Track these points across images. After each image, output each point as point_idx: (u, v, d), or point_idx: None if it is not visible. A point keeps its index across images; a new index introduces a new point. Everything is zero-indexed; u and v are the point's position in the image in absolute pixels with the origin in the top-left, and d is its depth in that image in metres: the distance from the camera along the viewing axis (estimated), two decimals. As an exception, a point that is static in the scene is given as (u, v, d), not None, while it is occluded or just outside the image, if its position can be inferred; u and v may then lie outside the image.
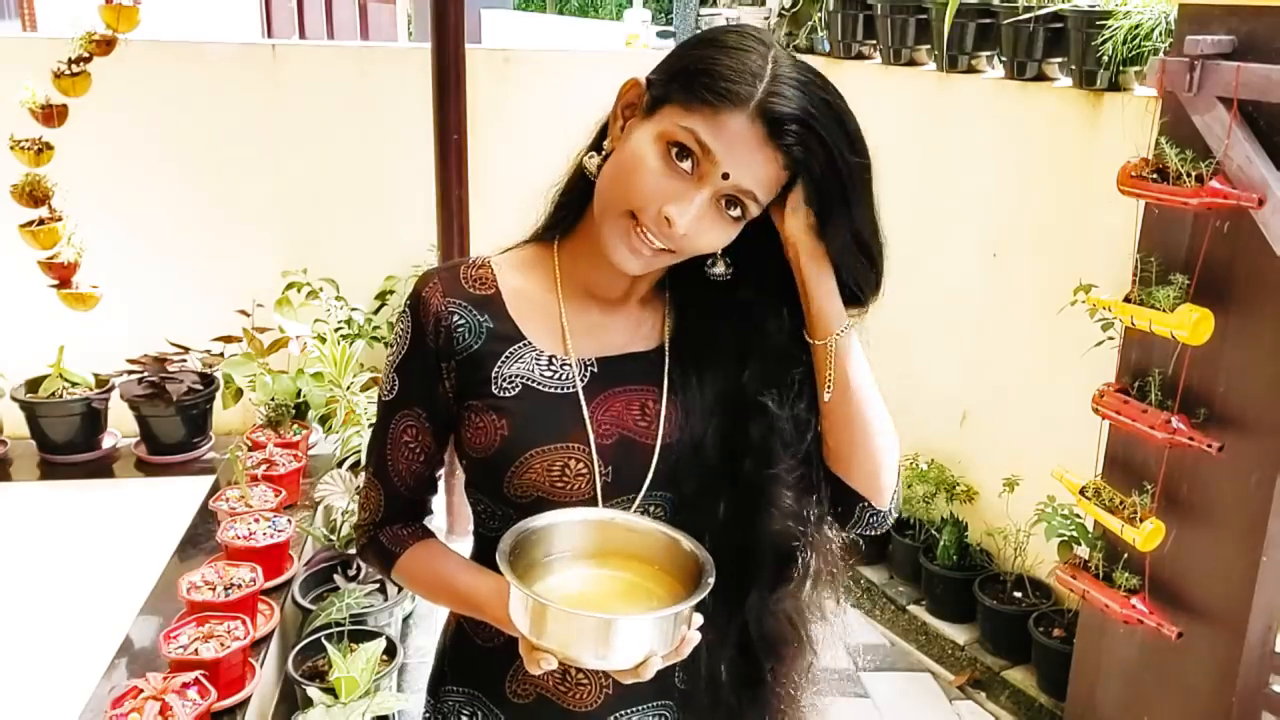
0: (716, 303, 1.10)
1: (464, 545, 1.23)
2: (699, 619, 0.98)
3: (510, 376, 1.08)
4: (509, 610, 0.97)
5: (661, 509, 1.11)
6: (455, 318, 1.09)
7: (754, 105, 0.95)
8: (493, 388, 1.08)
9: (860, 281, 1.06)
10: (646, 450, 1.09)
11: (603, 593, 1.03)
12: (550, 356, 1.10)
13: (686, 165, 0.97)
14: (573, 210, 1.12)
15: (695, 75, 0.98)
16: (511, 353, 1.09)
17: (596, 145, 1.09)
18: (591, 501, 1.08)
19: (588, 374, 1.10)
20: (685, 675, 1.15)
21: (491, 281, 1.12)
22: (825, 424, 1.09)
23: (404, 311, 1.12)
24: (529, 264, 1.14)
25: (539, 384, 1.08)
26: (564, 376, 1.09)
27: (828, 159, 0.97)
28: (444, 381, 1.10)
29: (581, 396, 1.08)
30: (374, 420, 1.18)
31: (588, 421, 1.08)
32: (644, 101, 1.02)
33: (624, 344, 1.12)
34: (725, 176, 0.97)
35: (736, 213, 1.00)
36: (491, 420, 1.07)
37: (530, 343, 1.10)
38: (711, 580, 0.97)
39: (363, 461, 1.22)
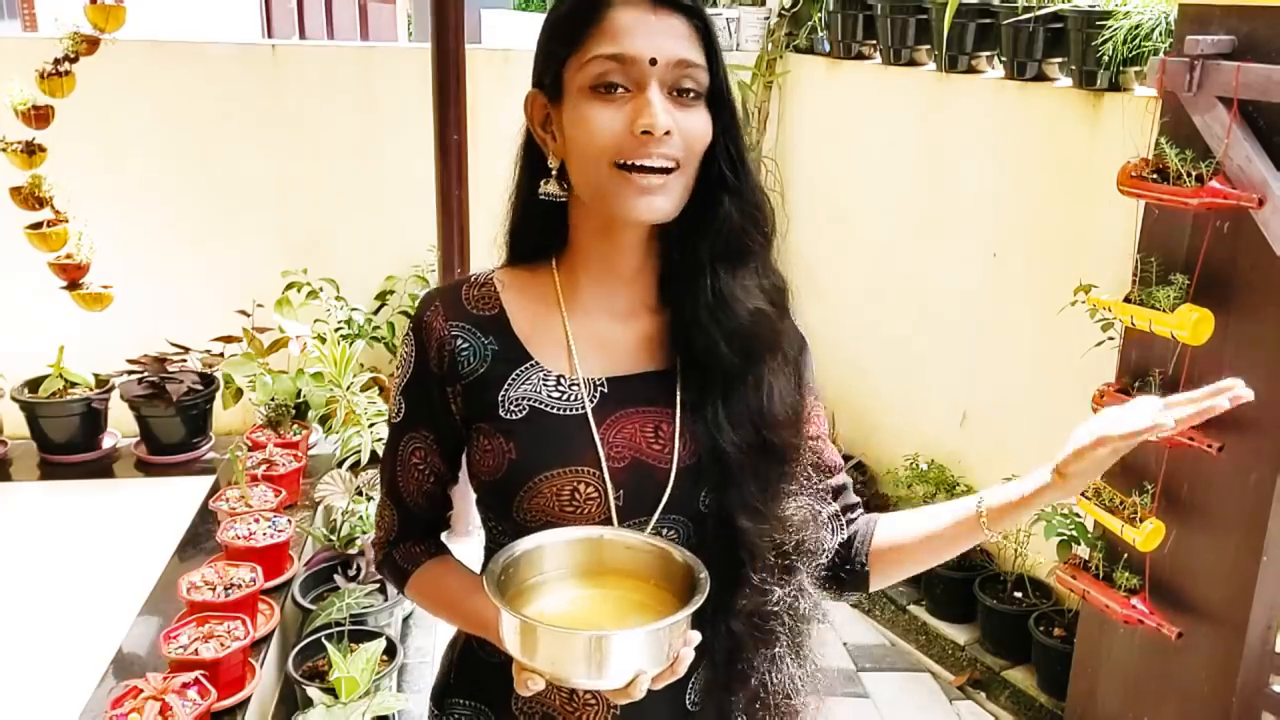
0: (717, 319, 1.06)
1: (464, 546, 1.23)
2: (696, 636, 0.95)
3: (517, 399, 1.06)
4: (500, 631, 0.94)
5: (675, 531, 1.08)
6: (459, 341, 1.07)
7: None
8: (500, 410, 1.06)
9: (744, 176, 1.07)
10: (661, 474, 1.06)
11: (594, 611, 1.01)
12: (559, 377, 1.07)
13: (620, 89, 0.98)
14: (534, 243, 1.11)
15: (561, 28, 1.01)
16: (518, 374, 1.07)
17: (535, 174, 1.07)
18: (604, 525, 1.05)
19: (597, 394, 1.07)
20: (699, 695, 1.12)
21: (495, 301, 1.09)
22: (919, 553, 1.15)
23: (407, 335, 1.11)
24: (532, 281, 1.11)
25: (547, 405, 1.06)
26: (572, 397, 1.06)
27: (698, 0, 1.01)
28: (451, 405, 1.09)
29: (591, 418, 1.06)
30: (385, 440, 1.17)
31: (599, 444, 1.05)
32: (549, 96, 1.04)
33: (635, 363, 1.10)
34: (653, 62, 0.97)
35: (694, 94, 1.00)
36: (499, 443, 1.06)
37: (538, 363, 1.07)
38: (703, 595, 0.94)
39: (378, 480, 1.23)
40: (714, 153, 1.04)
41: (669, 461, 1.06)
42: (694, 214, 1.05)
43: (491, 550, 1.14)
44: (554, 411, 1.06)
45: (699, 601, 0.93)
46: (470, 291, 1.10)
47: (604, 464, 1.05)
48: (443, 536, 1.22)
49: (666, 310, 1.11)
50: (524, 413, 1.06)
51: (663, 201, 1.00)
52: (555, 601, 1.01)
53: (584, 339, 1.09)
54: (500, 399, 1.06)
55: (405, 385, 1.11)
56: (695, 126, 1.00)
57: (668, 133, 0.97)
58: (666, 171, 0.99)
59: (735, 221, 1.06)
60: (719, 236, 1.06)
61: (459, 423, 1.10)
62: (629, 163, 0.98)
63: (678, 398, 1.08)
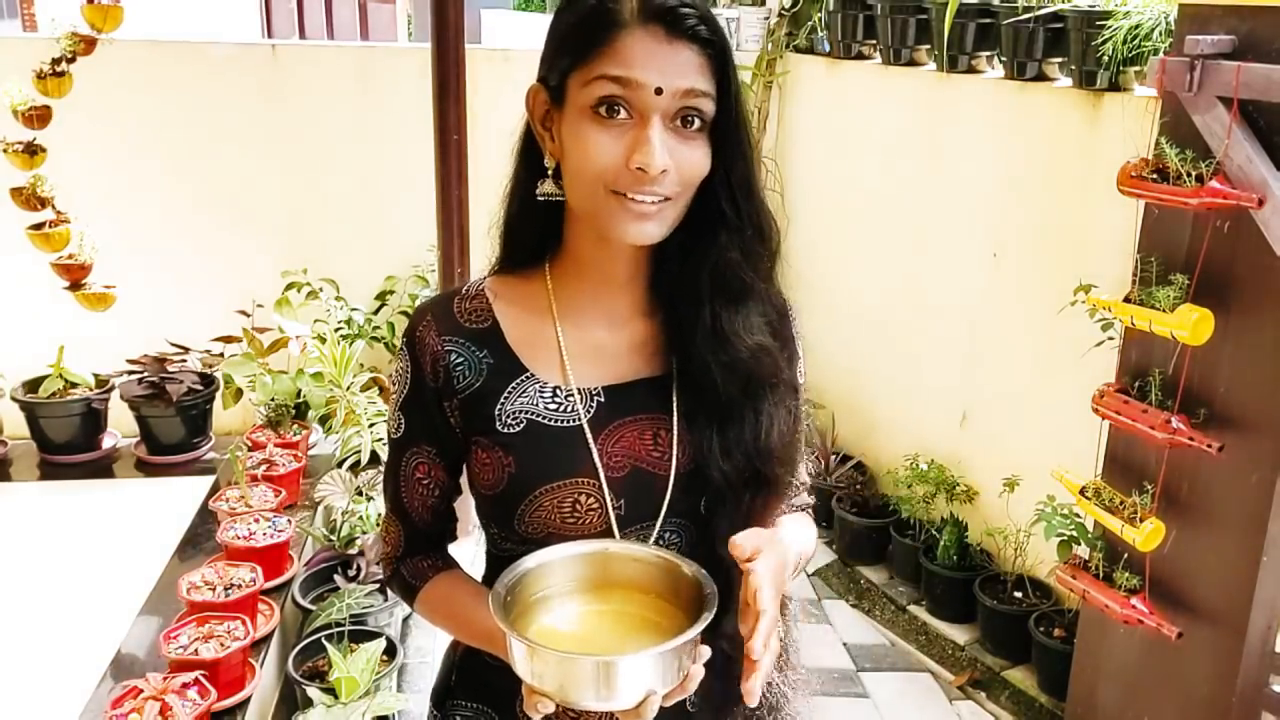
0: (716, 354, 1.05)
1: (463, 545, 1.23)
2: (706, 651, 0.93)
3: (514, 412, 1.05)
4: (509, 654, 0.93)
5: (678, 535, 1.08)
6: (453, 356, 1.06)
7: (635, 13, 0.95)
8: (497, 424, 1.05)
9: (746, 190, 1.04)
10: (660, 480, 1.06)
11: (600, 628, 0.99)
12: (555, 388, 1.06)
13: (622, 114, 0.96)
14: (529, 241, 1.10)
15: (571, 37, 0.99)
16: (514, 387, 1.06)
17: (533, 171, 1.06)
18: (605, 535, 1.04)
19: (594, 405, 1.06)
20: (699, 698, 1.11)
21: (488, 312, 1.08)
22: None
23: (401, 350, 1.10)
24: (524, 289, 1.10)
25: (543, 418, 1.05)
26: (568, 409, 1.06)
27: (718, 28, 0.98)
28: (449, 418, 1.08)
29: (588, 430, 1.05)
30: (387, 456, 1.16)
31: (596, 456, 1.04)
32: (551, 98, 1.02)
33: (631, 370, 1.08)
34: (659, 92, 0.94)
35: (697, 125, 0.98)
36: (498, 457, 1.05)
37: (533, 375, 1.07)
38: (711, 612, 0.92)
39: (381, 495, 1.21)
40: (713, 183, 1.01)
41: (668, 468, 1.06)
42: (692, 235, 1.04)
43: (493, 555, 1.14)
44: (551, 424, 1.05)
45: (708, 619, 0.91)
46: (462, 304, 1.09)
47: (602, 475, 1.04)
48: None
49: (660, 313, 1.10)
50: (521, 426, 1.05)
51: (653, 228, 0.99)
52: (561, 618, 1.00)
53: (578, 348, 1.08)
54: (497, 412, 1.05)
55: (403, 401, 1.10)
56: (693, 160, 0.98)
57: (664, 171, 0.96)
58: (660, 200, 0.98)
59: (732, 258, 1.04)
60: (716, 270, 1.04)
61: (459, 435, 1.09)
62: (622, 192, 0.97)
63: (675, 403, 1.08)
